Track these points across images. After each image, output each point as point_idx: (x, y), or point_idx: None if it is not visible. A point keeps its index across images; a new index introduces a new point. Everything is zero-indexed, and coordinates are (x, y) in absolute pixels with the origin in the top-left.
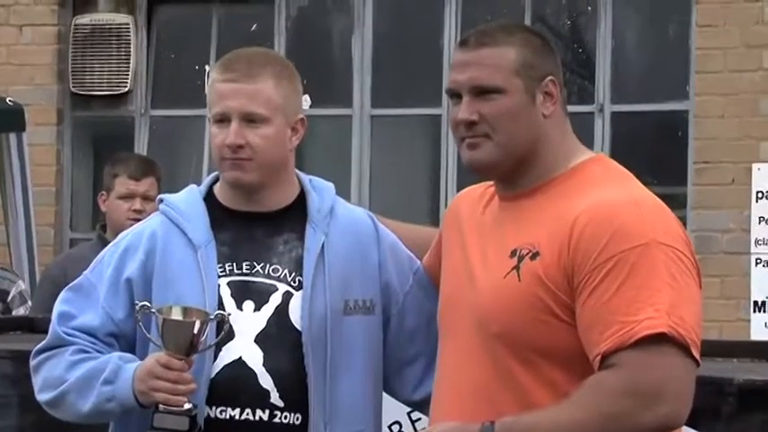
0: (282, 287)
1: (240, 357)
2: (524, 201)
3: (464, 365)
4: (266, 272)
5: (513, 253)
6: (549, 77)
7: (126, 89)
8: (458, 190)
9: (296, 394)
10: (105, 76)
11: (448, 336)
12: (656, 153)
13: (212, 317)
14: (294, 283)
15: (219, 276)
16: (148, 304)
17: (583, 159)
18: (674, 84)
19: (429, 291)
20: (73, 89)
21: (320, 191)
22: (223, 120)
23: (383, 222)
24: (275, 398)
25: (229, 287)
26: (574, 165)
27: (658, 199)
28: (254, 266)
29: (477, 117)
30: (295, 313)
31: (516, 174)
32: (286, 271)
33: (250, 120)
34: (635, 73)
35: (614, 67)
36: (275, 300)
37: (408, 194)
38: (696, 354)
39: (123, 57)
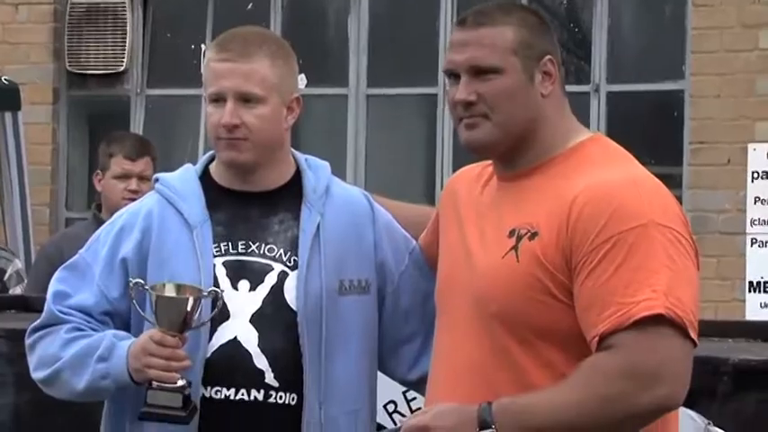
0: (278, 267)
1: (235, 337)
2: (523, 181)
3: (461, 345)
4: (261, 251)
5: (512, 233)
6: (548, 57)
7: (122, 68)
8: (453, 169)
9: (291, 374)
10: (101, 55)
11: (445, 315)
12: (652, 133)
13: (205, 293)
14: (289, 262)
15: (215, 256)
16: (142, 281)
17: (582, 139)
18: (669, 63)
19: (425, 270)
20: (69, 68)
21: (316, 170)
22: (218, 99)
23: (378, 201)
24: (270, 378)
25: (225, 267)
26: (573, 144)
27: (657, 179)
28: (250, 246)
29: (475, 97)
30: (290, 293)
31: (515, 154)
32: (281, 251)
33: (245, 99)
34: (631, 53)
35: (610, 47)
36: (270, 279)
37: (404, 174)
38: (694, 335)
39: (119, 35)
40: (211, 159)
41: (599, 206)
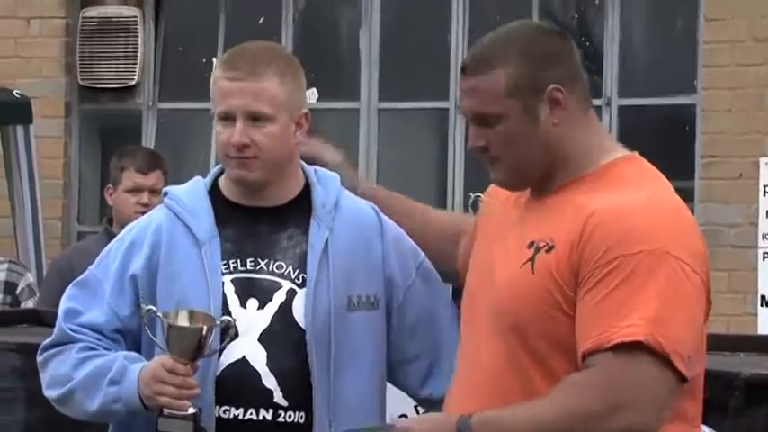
0: (287, 284)
1: (243, 357)
2: (551, 197)
3: (482, 357)
4: (270, 269)
5: (531, 245)
6: (552, 86)
7: (134, 82)
8: (465, 183)
9: (300, 393)
10: (113, 69)
11: (468, 328)
12: (664, 147)
13: (218, 322)
14: (298, 280)
15: (223, 273)
16: (153, 308)
17: (615, 158)
18: (681, 77)
19: (433, 284)
20: (81, 82)
21: (325, 183)
22: (227, 118)
23: (406, 205)
24: (279, 397)
25: (233, 284)
26: (605, 162)
27: (684, 207)
28: (259, 263)
29: (483, 143)
30: (299, 311)
31: (545, 181)
32: (290, 267)
33: (255, 118)
34: (642, 67)
35: (622, 61)
36: (279, 297)
37: (415, 188)
38: (680, 366)
39: (131, 49)
40: (221, 172)
41: (610, 227)
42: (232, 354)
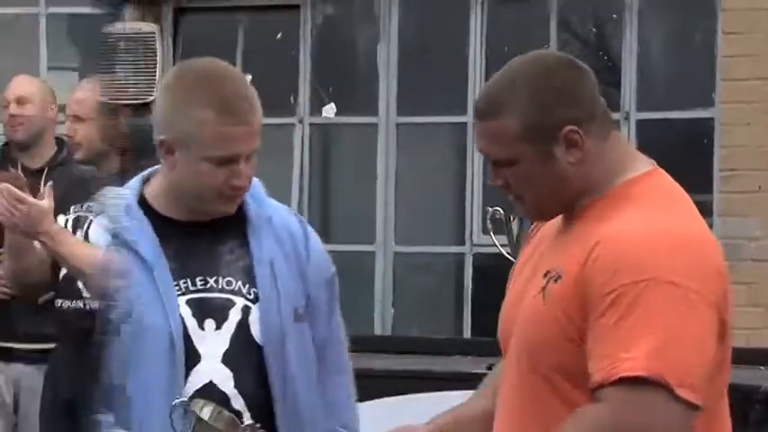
0: (240, 301)
1: (210, 381)
2: (574, 223)
3: (506, 384)
4: (220, 286)
5: (546, 274)
6: (568, 128)
7: (152, 98)
8: (483, 198)
9: (264, 409)
10: (131, 85)
11: (505, 356)
12: (682, 160)
13: (244, 426)
14: (249, 295)
15: (177, 295)
16: (186, 400)
17: (632, 176)
18: (699, 91)
19: (332, 305)
20: (99, 98)
21: (252, 189)
22: (228, 162)
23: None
24: (247, 418)
25: (188, 306)
26: (623, 181)
27: (697, 230)
28: (208, 281)
29: (502, 182)
30: (255, 327)
31: (571, 208)
32: (239, 283)
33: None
34: (661, 80)
35: (640, 75)
36: (235, 315)
37: (434, 202)
38: (686, 395)
39: (149, 66)
40: (144, 181)
41: (611, 256)
42: (199, 379)
